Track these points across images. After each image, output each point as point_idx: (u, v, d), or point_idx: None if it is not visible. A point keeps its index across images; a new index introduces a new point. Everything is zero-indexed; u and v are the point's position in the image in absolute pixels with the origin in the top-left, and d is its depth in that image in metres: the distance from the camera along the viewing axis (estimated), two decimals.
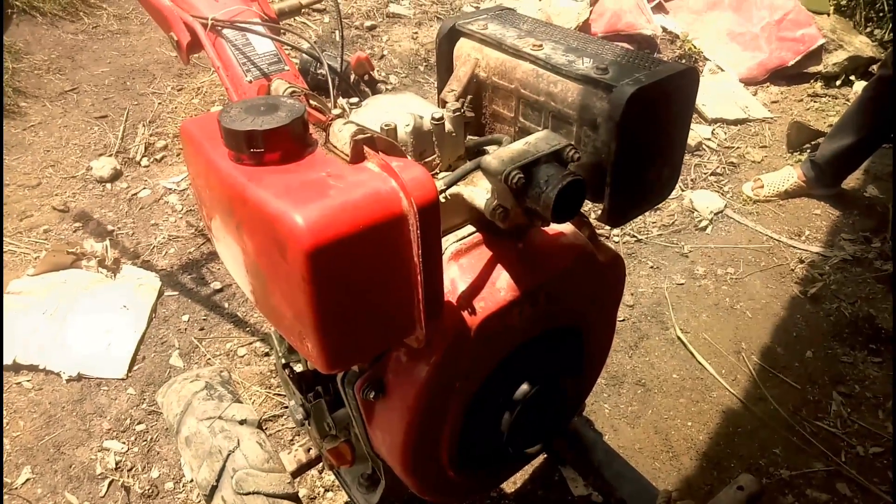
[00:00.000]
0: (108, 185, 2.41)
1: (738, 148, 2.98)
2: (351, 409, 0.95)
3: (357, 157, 0.74)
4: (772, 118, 3.20)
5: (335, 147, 0.75)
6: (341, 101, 1.01)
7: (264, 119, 0.73)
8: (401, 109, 0.89)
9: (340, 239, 0.66)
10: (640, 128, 0.87)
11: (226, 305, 2.10)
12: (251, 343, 2.00)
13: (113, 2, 3.29)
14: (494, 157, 0.80)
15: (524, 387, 0.95)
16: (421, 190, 0.70)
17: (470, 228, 0.91)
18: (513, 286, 0.88)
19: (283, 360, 1.07)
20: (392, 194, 0.70)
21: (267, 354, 1.98)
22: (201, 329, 2.02)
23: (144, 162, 2.53)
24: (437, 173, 0.90)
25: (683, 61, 3.56)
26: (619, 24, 3.54)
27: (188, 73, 2.97)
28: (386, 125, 0.82)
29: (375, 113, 0.88)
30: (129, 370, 1.90)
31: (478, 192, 0.86)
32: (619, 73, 0.87)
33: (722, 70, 3.53)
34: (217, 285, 2.14)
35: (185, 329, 2.02)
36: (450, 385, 0.88)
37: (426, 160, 0.89)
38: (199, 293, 2.12)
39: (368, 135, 0.73)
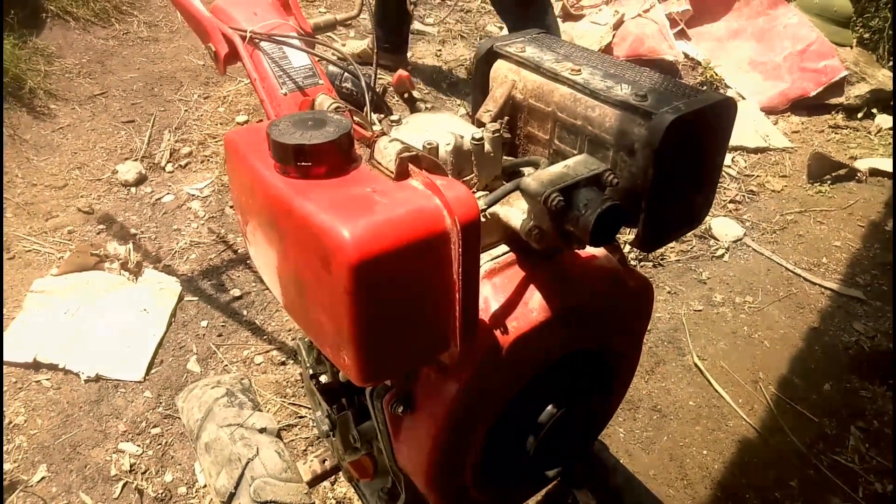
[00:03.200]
0: (133, 189, 2.44)
1: (757, 176, 2.98)
2: (378, 422, 0.96)
3: (402, 174, 0.75)
4: (792, 148, 3.21)
5: (380, 163, 0.77)
6: (380, 119, 1.02)
7: (312, 134, 0.74)
8: (441, 128, 0.90)
9: (385, 253, 0.67)
10: (678, 155, 0.88)
11: (244, 313, 2.11)
12: (268, 351, 2.01)
13: (144, 9, 3.36)
14: (534, 178, 0.81)
15: (550, 409, 0.95)
16: (464, 208, 0.71)
17: (503, 248, 0.92)
18: (545, 307, 0.88)
19: (311, 371, 1.08)
20: (436, 212, 0.71)
21: (283, 363, 1.99)
22: (219, 335, 2.04)
23: (169, 167, 2.56)
24: (474, 192, 0.91)
25: (705, 88, 3.58)
26: (641, 49, 3.57)
27: (215, 81, 3.01)
28: (428, 143, 0.83)
29: (416, 131, 0.90)
30: (147, 373, 1.91)
31: (513, 212, 0.87)
32: (658, 100, 0.88)
33: (743, 98, 3.54)
34: (236, 292, 2.16)
35: (204, 335, 2.03)
36: (478, 403, 0.88)
37: (464, 179, 0.90)
38: (219, 300, 2.13)
39: (413, 153, 0.75)
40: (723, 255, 2.50)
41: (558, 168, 0.83)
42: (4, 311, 1.99)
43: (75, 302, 2.03)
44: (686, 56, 3.68)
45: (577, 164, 0.84)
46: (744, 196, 2.84)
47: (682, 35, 3.81)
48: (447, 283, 0.74)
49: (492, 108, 1.04)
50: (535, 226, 0.83)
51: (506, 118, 1.03)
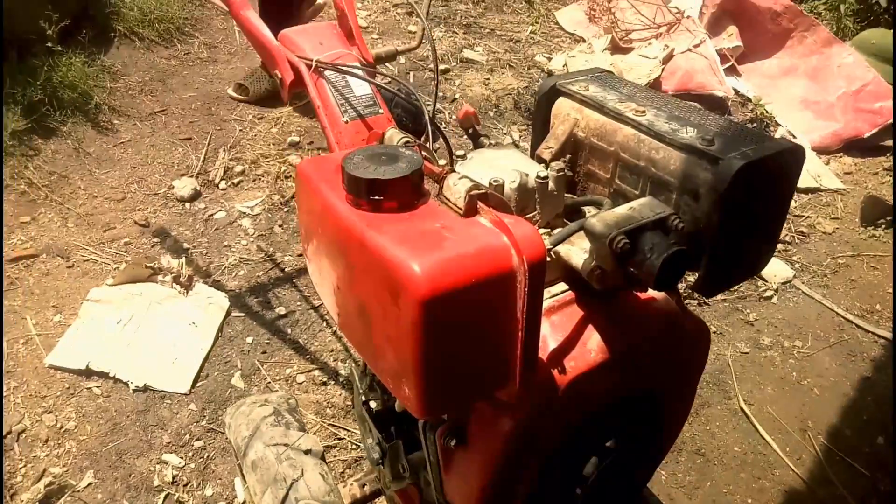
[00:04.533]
0: (188, 205, 2.51)
1: (808, 217, 2.92)
2: (428, 454, 0.96)
3: (470, 211, 0.76)
4: (844, 189, 3.14)
5: (448, 200, 0.78)
6: (436, 147, 1.04)
7: (386, 169, 0.76)
8: (505, 165, 0.92)
9: (454, 290, 0.68)
10: (744, 201, 0.87)
11: (288, 331, 2.14)
12: (310, 371, 2.03)
13: (205, 31, 3.48)
14: (599, 219, 0.81)
15: (603, 449, 0.95)
16: (531, 248, 0.72)
17: (562, 286, 0.92)
18: (603, 348, 0.88)
19: (363, 397, 1.09)
20: (504, 250, 0.72)
21: (324, 384, 2.01)
22: (263, 352, 2.07)
23: (222, 185, 2.63)
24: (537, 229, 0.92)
25: (754, 125, 3.54)
26: (690, 84, 3.55)
27: (268, 103, 3.10)
28: (494, 181, 0.85)
29: (481, 167, 0.91)
30: (193, 386, 1.95)
31: (575, 251, 0.87)
32: (725, 145, 0.88)
33: (794, 137, 3.49)
34: (282, 310, 2.20)
35: (249, 351, 2.07)
36: (532, 441, 0.88)
37: (528, 216, 0.91)
38: (265, 317, 2.17)
39: (482, 191, 0.76)
40: (771, 297, 2.45)
41: (623, 210, 0.84)
42: (63, 317, 2.07)
43: (128, 312, 2.09)
44: (736, 92, 3.65)
45: (642, 206, 0.85)
46: (794, 237, 2.78)
47: (732, 71, 3.78)
48: (511, 320, 0.74)
49: (553, 145, 1.05)
50: (597, 266, 0.83)
51: (567, 156, 1.04)
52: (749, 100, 3.63)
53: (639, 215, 0.83)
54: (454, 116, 3.21)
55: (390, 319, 0.73)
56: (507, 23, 4.06)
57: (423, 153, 0.89)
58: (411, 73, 3.44)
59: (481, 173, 0.87)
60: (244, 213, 2.54)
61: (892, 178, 3.20)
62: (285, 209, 2.58)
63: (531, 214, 0.92)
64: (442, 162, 0.93)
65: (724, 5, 3.81)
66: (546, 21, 4.12)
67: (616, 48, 3.80)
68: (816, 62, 3.72)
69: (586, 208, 0.96)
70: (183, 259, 2.27)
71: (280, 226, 2.51)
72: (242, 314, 2.18)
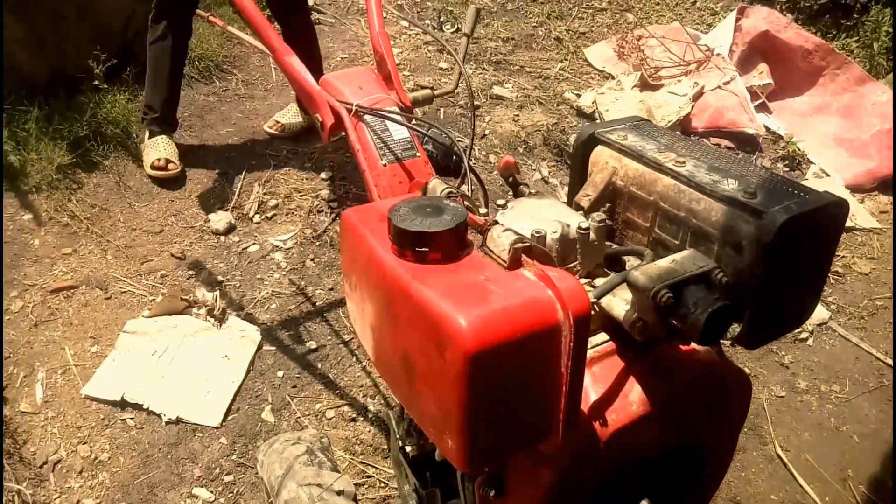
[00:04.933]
0: (223, 238, 2.56)
1: (843, 257, 2.87)
2: (466, 502, 0.96)
3: (514, 263, 0.77)
4: (880, 229, 3.08)
5: (492, 251, 0.79)
6: (474, 190, 1.06)
7: (431, 221, 0.78)
8: (546, 215, 0.93)
9: (500, 344, 0.69)
10: (787, 255, 0.87)
11: (319, 366, 2.16)
12: (339, 406, 2.03)
13: (243, 68, 3.58)
14: (642, 272, 0.82)
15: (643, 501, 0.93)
16: (576, 301, 0.73)
17: (603, 336, 0.93)
18: (644, 400, 0.87)
19: (400, 442, 1.10)
20: (549, 303, 0.73)
21: (354, 420, 2.01)
22: (294, 386, 2.08)
23: (256, 218, 2.68)
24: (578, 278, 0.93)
25: (786, 163, 3.52)
26: (721, 121, 3.55)
27: (303, 138, 3.16)
28: (537, 232, 0.86)
29: (523, 217, 0.92)
30: (224, 419, 1.96)
31: (616, 301, 0.87)
32: (767, 198, 0.88)
33: (827, 175, 3.45)
34: (312, 345, 2.21)
35: (279, 385, 2.08)
36: (571, 493, 0.87)
37: (568, 266, 0.92)
38: (295, 350, 2.19)
39: (526, 244, 0.77)
40: (807, 339, 2.40)
41: (666, 262, 0.84)
42: (100, 348, 2.11)
43: (163, 344, 2.12)
44: (767, 129, 3.63)
45: (684, 259, 0.85)
46: (829, 278, 2.73)
47: (763, 108, 3.77)
48: (555, 373, 0.75)
49: (591, 192, 1.06)
50: (639, 318, 0.83)
51: (606, 204, 1.04)
52: (780, 137, 3.61)
53: (682, 268, 0.83)
54: (483, 152, 3.25)
55: (435, 371, 0.73)
56: (537, 60, 4.11)
57: (466, 203, 0.91)
58: (441, 110, 3.49)
59: (523, 224, 0.89)
60: (277, 246, 2.58)
61: None
62: (317, 243, 2.61)
63: (572, 264, 0.92)
64: (483, 211, 0.94)
65: (755, 43, 3.82)
66: (575, 58, 4.17)
67: (645, 85, 3.81)
68: (849, 100, 3.69)
69: (627, 258, 0.96)
70: (217, 292, 2.31)
71: (312, 259, 2.54)
72: (274, 348, 2.20)
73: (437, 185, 1.01)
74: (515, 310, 0.71)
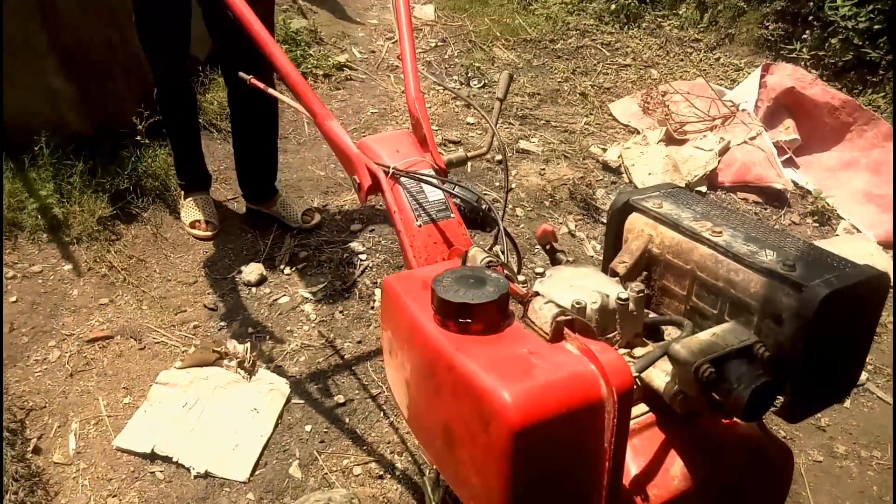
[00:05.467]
0: (254, 289, 2.61)
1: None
2: None
3: (557, 336, 0.78)
4: None
5: (534, 323, 0.80)
6: (505, 248, 1.07)
7: (475, 293, 0.79)
8: (585, 285, 0.94)
9: (545, 420, 0.69)
10: (829, 329, 0.87)
11: (347, 420, 2.15)
12: (367, 463, 2.02)
13: None
14: (683, 346, 0.82)
15: None
16: (619, 376, 0.73)
17: (642, 407, 0.92)
18: (686, 475, 0.86)
19: None
20: (592, 378, 0.73)
21: (381, 477, 1.99)
22: (321, 441, 2.08)
23: (287, 270, 2.72)
24: (617, 350, 0.93)
25: (815, 218, 3.49)
26: (748, 176, 3.55)
27: (333, 191, 3.24)
28: (577, 303, 0.87)
29: (561, 287, 0.94)
30: (252, 474, 1.96)
31: (657, 373, 0.87)
32: (807, 271, 0.88)
33: (858, 231, 3.42)
34: (340, 399, 2.21)
35: (307, 439, 2.08)
36: None
37: (607, 336, 0.92)
38: (324, 404, 2.19)
39: (569, 317, 0.78)
40: (843, 401, 2.34)
41: (707, 336, 0.84)
42: (132, 399, 2.13)
43: (194, 396, 2.14)
44: (795, 184, 3.62)
45: (725, 332, 0.85)
46: None
47: (790, 163, 3.77)
48: (598, 447, 0.75)
49: (627, 259, 1.08)
50: (680, 391, 0.83)
51: (643, 273, 1.05)
52: (809, 192, 3.59)
53: (723, 342, 0.83)
54: (510, 206, 3.28)
55: (478, 443, 0.74)
56: (562, 114, 4.18)
57: (506, 272, 0.92)
58: (469, 164, 3.55)
59: (562, 293, 0.90)
60: (307, 298, 2.61)
61: None
62: (346, 295, 2.64)
63: (612, 334, 0.93)
64: (521, 279, 0.96)
65: (780, 99, 3.84)
66: (600, 112, 4.23)
67: (671, 140, 3.85)
68: (878, 155, 3.68)
69: (666, 328, 0.96)
70: (248, 344, 2.33)
71: (341, 312, 2.57)
72: (302, 401, 2.20)
73: (478, 255, 1.02)
74: (559, 385, 0.71)
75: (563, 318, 0.77)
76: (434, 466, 1.72)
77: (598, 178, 3.60)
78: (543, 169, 3.62)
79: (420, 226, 1.40)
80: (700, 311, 1.01)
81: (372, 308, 2.58)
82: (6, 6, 2.51)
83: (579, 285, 0.93)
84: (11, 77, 2.60)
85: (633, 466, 0.85)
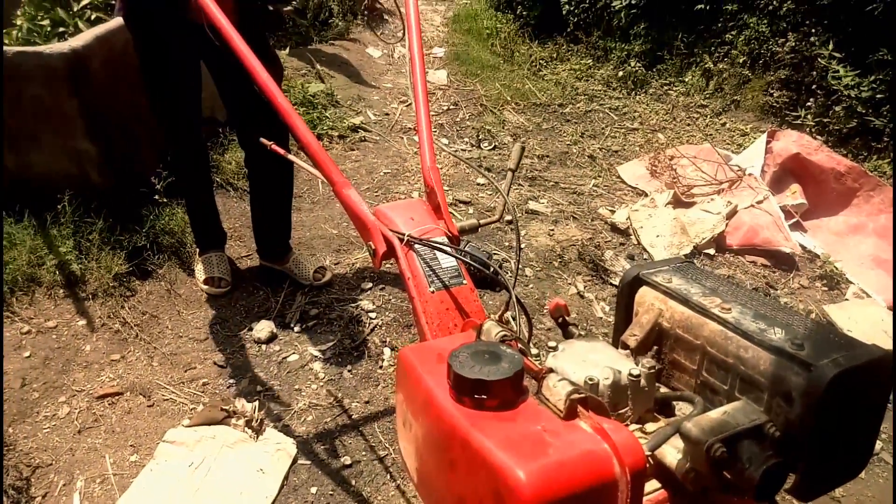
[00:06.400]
0: (264, 347, 2.62)
1: None
2: None
3: (571, 414, 0.80)
4: None
5: (548, 400, 0.82)
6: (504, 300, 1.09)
7: (490, 369, 0.81)
8: (597, 360, 0.96)
9: (558, 499, 0.70)
10: (838, 408, 0.88)
11: (353, 482, 2.13)
12: None
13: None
14: (695, 424, 0.83)
15: None
16: (632, 456, 0.74)
17: (655, 484, 0.93)
18: None
19: None
20: (605, 457, 0.74)
21: None
22: None
23: (297, 328, 2.74)
24: (628, 426, 0.94)
25: (824, 282, 3.50)
26: (755, 240, 3.58)
27: (345, 249, 3.29)
28: (590, 379, 0.89)
29: (574, 361, 0.95)
30: None
31: (669, 450, 0.88)
32: (815, 350, 0.90)
33: (868, 295, 3.42)
34: (347, 460, 2.20)
35: (313, 502, 2.06)
36: None
37: (619, 412, 0.94)
38: (330, 465, 2.18)
39: (583, 395, 0.80)
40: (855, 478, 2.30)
41: (718, 414, 0.85)
42: (139, 457, 2.13)
43: (200, 455, 2.13)
44: (803, 248, 3.65)
45: (736, 411, 0.86)
46: None
47: (797, 227, 3.81)
48: None
49: (638, 333, 1.10)
50: (692, 469, 0.84)
51: (654, 347, 1.07)
52: (817, 256, 3.61)
53: (734, 421, 0.84)
54: (519, 266, 3.31)
55: None
56: (571, 176, 4.27)
57: (520, 347, 0.94)
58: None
59: (575, 368, 0.91)
60: (316, 356, 2.62)
61: None
62: (355, 354, 2.65)
63: (623, 410, 0.94)
64: (534, 352, 0.98)
65: (786, 164, 3.91)
66: (608, 175, 4.31)
67: (678, 203, 3.90)
68: (885, 221, 3.71)
69: (676, 403, 0.97)
70: (256, 402, 2.33)
71: (349, 371, 2.57)
72: (309, 462, 2.19)
73: (492, 329, 1.05)
74: (573, 463, 0.73)
75: (576, 395, 0.79)
76: None
77: (607, 239, 3.65)
78: (552, 230, 3.67)
79: (433, 292, 1.43)
80: (711, 387, 1.02)
81: (380, 367, 2.59)
82: (38, 77, 2.62)
83: (592, 360, 0.95)
84: (40, 140, 2.70)
85: None
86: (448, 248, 1.47)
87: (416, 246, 1.49)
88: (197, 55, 2.42)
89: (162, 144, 2.74)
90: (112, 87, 2.86)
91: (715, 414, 0.85)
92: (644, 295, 1.14)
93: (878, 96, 4.09)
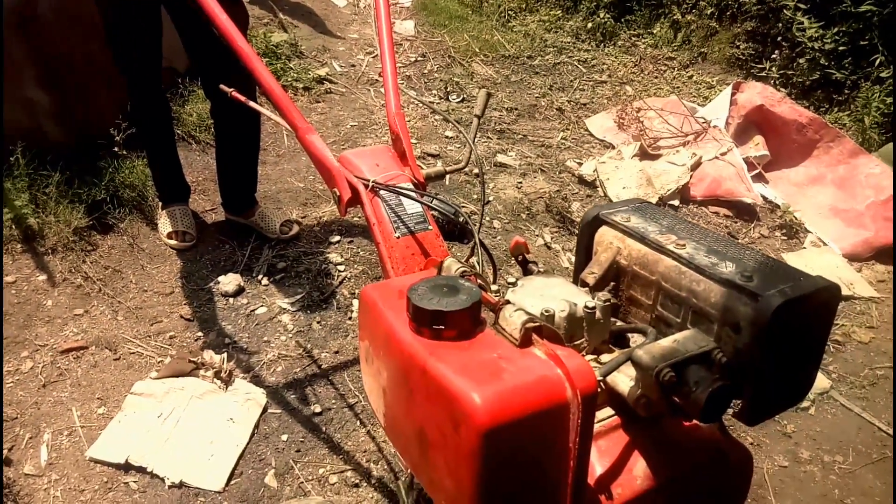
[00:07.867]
0: (231, 300, 2.61)
1: (843, 326, 2.91)
2: None
3: (525, 342, 0.82)
4: (879, 298, 3.13)
5: (504, 330, 0.84)
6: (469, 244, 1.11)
7: (448, 301, 0.83)
8: (555, 294, 0.98)
9: (512, 421, 0.73)
10: (783, 336, 0.92)
11: (323, 429, 2.16)
12: (343, 471, 2.03)
13: None
14: (645, 351, 0.86)
15: None
16: (584, 380, 0.77)
17: (608, 411, 0.96)
18: (649, 475, 0.90)
19: None
20: (558, 382, 0.77)
21: (357, 486, 2.00)
22: (298, 451, 2.09)
23: (264, 281, 2.73)
24: (584, 356, 0.97)
25: (784, 231, 3.59)
26: (718, 191, 3.64)
27: (312, 202, 3.26)
28: (546, 311, 0.91)
29: (532, 296, 0.97)
30: (227, 484, 1.96)
31: (621, 378, 0.91)
32: (763, 282, 0.93)
33: (825, 244, 3.52)
34: (317, 408, 2.23)
35: (283, 449, 2.09)
36: None
37: (575, 343, 0.96)
38: (301, 413, 2.20)
39: (537, 324, 0.82)
40: (808, 408, 2.41)
41: (668, 342, 0.88)
42: (107, 410, 2.12)
43: (169, 406, 2.14)
44: (764, 199, 3.73)
45: (686, 339, 0.89)
46: (829, 346, 2.76)
47: (759, 178, 3.88)
48: (563, 449, 0.78)
49: (596, 270, 1.12)
50: (643, 395, 0.87)
51: (611, 283, 1.10)
52: (778, 206, 3.70)
53: (683, 348, 0.87)
54: (487, 218, 3.33)
55: (449, 446, 0.77)
56: (539, 129, 4.26)
57: (479, 282, 0.96)
58: (448, 177, 3.59)
59: (533, 302, 0.94)
60: (284, 308, 2.62)
61: None
62: (324, 306, 2.66)
63: (579, 341, 0.97)
64: (494, 288, 0.99)
65: (750, 116, 3.96)
66: (576, 128, 4.31)
67: (644, 155, 3.94)
68: (843, 172, 3.80)
69: (631, 335, 1.01)
70: (224, 354, 2.34)
71: (318, 322, 2.58)
72: (279, 411, 2.21)
73: (452, 265, 1.06)
74: (527, 388, 0.75)
75: (531, 324, 0.81)
76: (410, 472, 1.75)
77: (574, 191, 3.67)
78: (520, 182, 3.68)
79: (398, 237, 1.44)
80: (665, 320, 1.06)
81: (349, 318, 2.60)
82: None
83: (549, 294, 0.97)
84: None
85: (598, 466, 0.89)
86: (413, 194, 1.47)
87: (382, 192, 1.49)
88: None
89: (121, 95, 2.65)
90: (65, 32, 2.74)
91: (665, 342, 0.88)
92: (603, 234, 1.16)
93: (841, 48, 4.14)
